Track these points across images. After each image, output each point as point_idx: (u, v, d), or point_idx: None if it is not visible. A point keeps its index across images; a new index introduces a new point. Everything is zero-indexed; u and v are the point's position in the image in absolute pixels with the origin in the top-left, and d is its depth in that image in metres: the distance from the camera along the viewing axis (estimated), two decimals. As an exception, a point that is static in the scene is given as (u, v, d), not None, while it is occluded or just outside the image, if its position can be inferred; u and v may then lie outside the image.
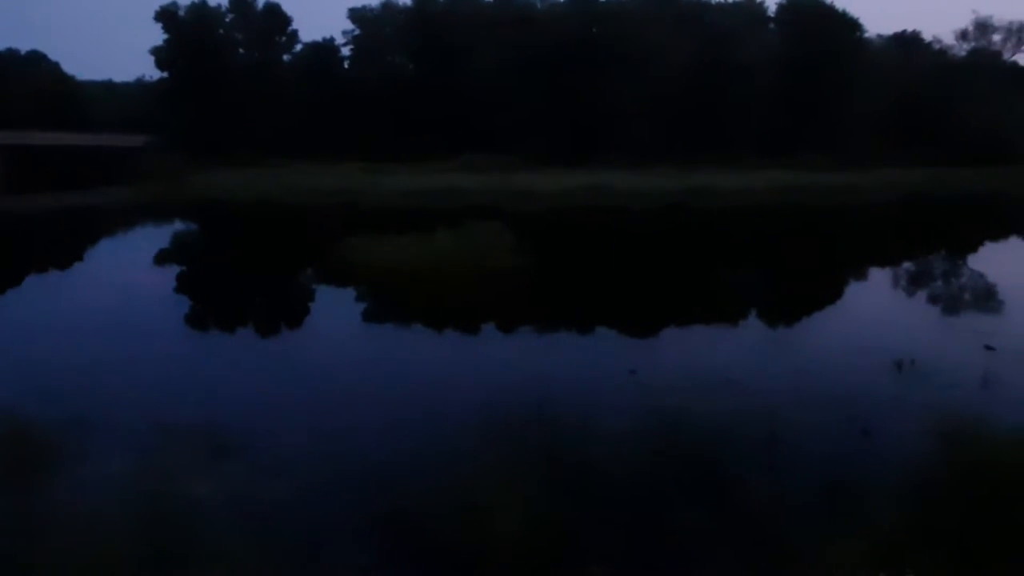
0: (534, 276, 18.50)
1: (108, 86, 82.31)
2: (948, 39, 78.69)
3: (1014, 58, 74.55)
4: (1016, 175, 51.61)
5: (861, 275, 21.11)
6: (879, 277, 20.71)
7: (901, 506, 6.37)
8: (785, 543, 6.01)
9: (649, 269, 21.44)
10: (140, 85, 79.25)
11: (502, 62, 61.16)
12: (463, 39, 63.53)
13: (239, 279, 20.90)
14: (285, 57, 71.49)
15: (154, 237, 31.01)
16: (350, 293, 18.49)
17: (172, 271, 22.52)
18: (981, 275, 20.31)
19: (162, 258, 24.86)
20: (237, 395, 10.43)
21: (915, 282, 20.25)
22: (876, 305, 16.58)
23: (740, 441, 8.31)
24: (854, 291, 18.95)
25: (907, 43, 74.27)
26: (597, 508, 6.86)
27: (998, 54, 73.65)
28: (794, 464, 7.79)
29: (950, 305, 17.21)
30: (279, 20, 69.63)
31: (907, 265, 22.85)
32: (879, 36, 74.25)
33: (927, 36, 76.27)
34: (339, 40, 72.74)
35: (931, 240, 28.71)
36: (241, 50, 69.54)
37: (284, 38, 70.70)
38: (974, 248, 26.80)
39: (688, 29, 61.00)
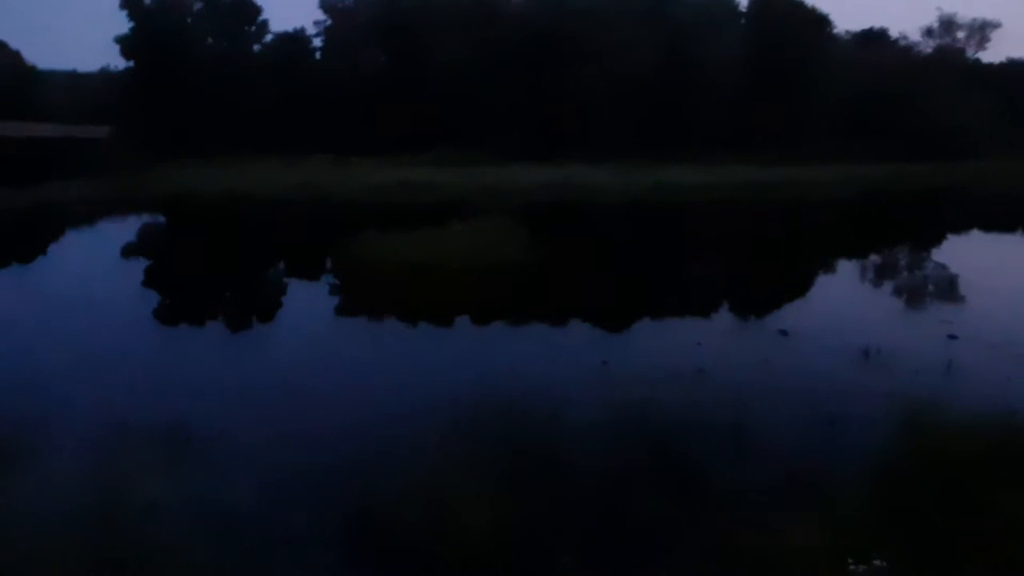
0: (535, 271, 18.25)
1: (72, 76, 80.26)
2: (915, 36, 79.78)
3: (977, 55, 76.24)
4: (977, 171, 52.87)
5: (827, 267, 21.42)
6: (844, 269, 21.04)
7: (868, 493, 6.45)
8: (753, 533, 6.04)
9: (628, 262, 21.53)
10: (104, 75, 77.46)
11: (471, 57, 60.92)
12: (433, 33, 63.12)
13: (230, 278, 20.55)
14: (255, 48, 70.38)
15: (131, 234, 30.31)
16: (342, 288, 18.32)
17: (161, 268, 21.98)
18: (942, 267, 20.69)
19: (140, 255, 24.34)
20: (209, 394, 10.24)
21: (879, 274, 20.61)
22: (842, 296, 16.85)
23: (709, 432, 8.36)
24: (820, 283, 19.22)
25: (873, 40, 75.33)
26: (566, 502, 6.82)
27: (962, 51, 75.11)
28: (762, 454, 7.86)
29: (912, 296, 17.54)
30: (248, 10, 68.50)
31: (872, 257, 23.24)
32: (847, 32, 75.40)
33: (894, 33, 76.85)
34: (310, 31, 71.92)
35: (894, 233, 29.20)
36: (209, 40, 68.26)
37: (253, 28, 69.54)
38: (935, 241, 27.32)
39: (656, 25, 61.27)
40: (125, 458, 7.57)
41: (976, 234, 30.23)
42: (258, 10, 68.92)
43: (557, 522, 6.48)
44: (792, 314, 15.03)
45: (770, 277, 19.89)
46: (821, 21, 65.03)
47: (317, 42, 71.63)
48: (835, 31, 68.74)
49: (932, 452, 6.65)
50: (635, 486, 7.13)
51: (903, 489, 6.29)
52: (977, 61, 75.88)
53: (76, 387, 10.14)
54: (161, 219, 36.43)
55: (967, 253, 24.21)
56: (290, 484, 7.23)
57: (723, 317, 15.13)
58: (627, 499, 6.87)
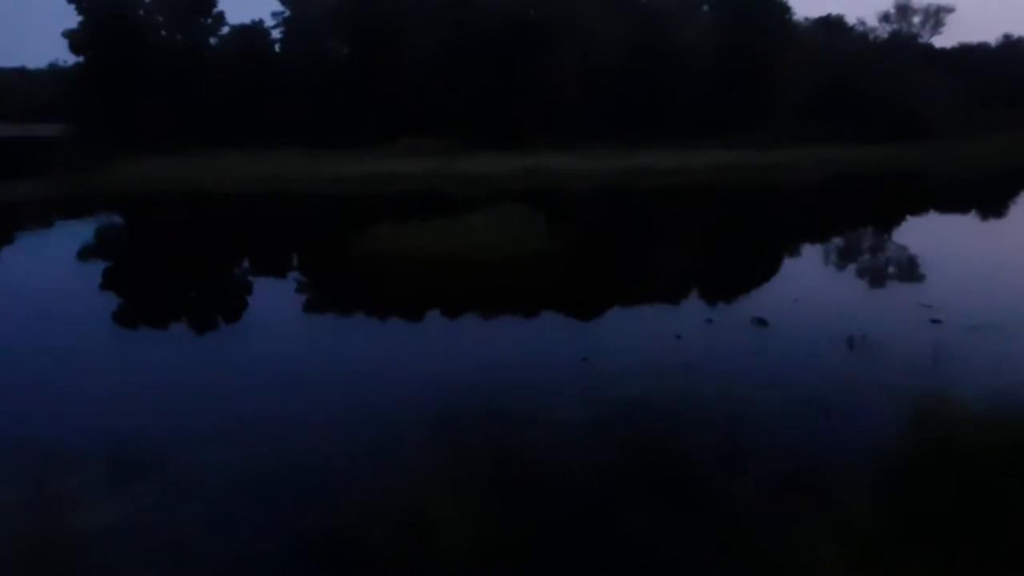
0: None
1: (22, 73, 77.53)
2: (872, 22, 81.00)
3: (931, 39, 77.53)
4: (933, 152, 54.01)
5: (803, 252, 21.43)
6: (820, 253, 20.99)
7: (878, 492, 6.32)
8: (753, 537, 5.87)
9: (611, 251, 21.34)
10: (55, 71, 74.96)
11: (439, 44, 60.21)
12: (398, 20, 62.21)
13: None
14: (212, 40, 68.66)
15: (89, 233, 29.24)
16: (315, 287, 17.85)
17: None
18: (915, 248, 20.65)
19: (103, 256, 23.49)
20: (175, 398, 9.82)
21: (855, 257, 20.66)
22: (822, 283, 16.80)
23: (701, 430, 8.20)
24: (798, 268, 19.15)
25: (831, 26, 76.27)
26: (557, 512, 6.56)
27: (917, 35, 76.36)
28: (758, 451, 7.67)
29: (890, 279, 17.63)
30: (203, 1, 66.77)
31: (847, 240, 23.25)
32: (806, 19, 76.25)
33: (853, 19, 78.21)
34: (268, 22, 70.39)
35: (868, 215, 29.38)
36: (163, 32, 66.45)
37: (209, 20, 67.83)
38: (908, 223, 27.59)
39: (625, 11, 61.29)
40: (65, 478, 7.21)
41: (946, 215, 30.62)
42: (213, 1, 67.19)
43: (548, 536, 6.22)
44: (771, 301, 14.90)
45: (749, 262, 19.86)
46: (781, 7, 65.68)
47: (276, 33, 70.24)
48: (795, 18, 69.51)
49: (939, 444, 6.55)
50: (631, 488, 6.92)
51: (916, 486, 6.16)
52: (931, 46, 77.28)
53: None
54: (120, 218, 35.22)
55: (939, 234, 24.47)
56: (262, 488, 6.96)
57: (709, 306, 15.01)
58: (620, 508, 6.63)
